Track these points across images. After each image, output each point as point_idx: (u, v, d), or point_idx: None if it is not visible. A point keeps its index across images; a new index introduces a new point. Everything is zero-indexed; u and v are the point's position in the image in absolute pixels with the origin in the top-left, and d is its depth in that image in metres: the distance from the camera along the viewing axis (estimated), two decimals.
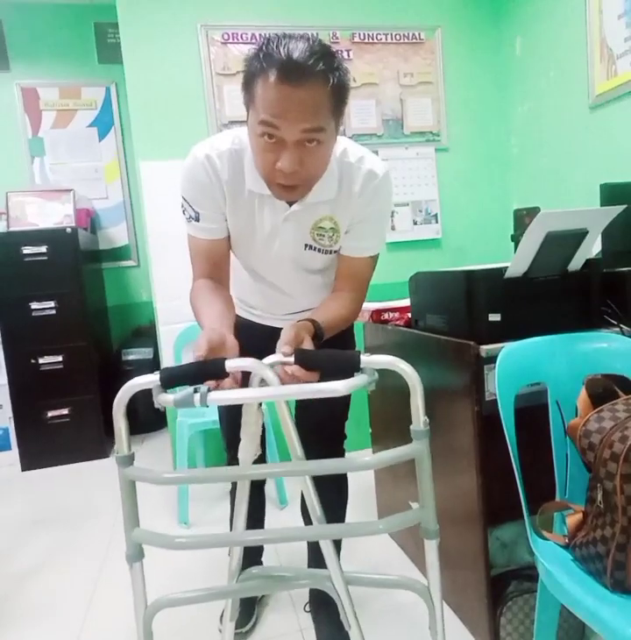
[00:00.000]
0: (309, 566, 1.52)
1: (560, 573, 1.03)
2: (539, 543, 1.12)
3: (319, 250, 1.22)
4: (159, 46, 2.61)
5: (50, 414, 3.17)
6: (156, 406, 0.83)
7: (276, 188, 1.06)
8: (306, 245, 1.21)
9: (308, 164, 1.01)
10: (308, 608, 1.61)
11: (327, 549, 0.92)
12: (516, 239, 1.63)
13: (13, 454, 3.19)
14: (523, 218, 1.74)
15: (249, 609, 1.61)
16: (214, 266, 1.21)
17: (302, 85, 0.91)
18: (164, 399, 0.82)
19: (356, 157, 1.14)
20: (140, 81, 2.60)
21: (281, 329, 1.38)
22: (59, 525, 2.36)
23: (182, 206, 1.18)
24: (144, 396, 0.87)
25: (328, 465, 0.89)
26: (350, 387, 0.81)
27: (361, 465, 0.84)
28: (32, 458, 3.14)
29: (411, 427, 0.85)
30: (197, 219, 1.16)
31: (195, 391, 0.80)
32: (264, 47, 0.94)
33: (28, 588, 1.89)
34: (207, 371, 0.84)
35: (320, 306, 1.19)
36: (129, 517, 0.87)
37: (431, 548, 0.88)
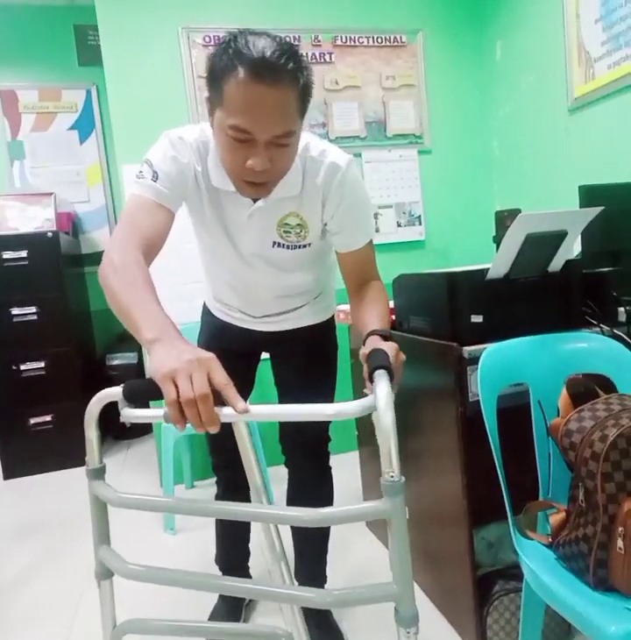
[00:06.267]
0: (296, 575, 1.51)
1: (544, 572, 1.03)
2: (523, 542, 1.12)
3: (287, 246, 1.20)
4: (139, 49, 2.59)
5: (33, 421, 3.13)
6: (121, 420, 0.77)
7: (243, 186, 1.04)
8: (273, 243, 1.20)
9: (278, 162, 1.00)
10: None
11: (294, 611, 0.85)
12: (498, 241, 1.64)
13: None
14: (504, 220, 1.76)
15: (236, 613, 1.60)
16: (151, 236, 1.02)
17: (275, 84, 0.90)
18: (128, 414, 0.75)
19: (318, 151, 1.12)
20: (121, 83, 2.58)
21: (259, 331, 1.39)
22: (43, 534, 2.33)
23: (140, 170, 1.06)
24: None
25: (290, 516, 0.76)
26: (362, 409, 0.70)
27: (319, 519, 0.71)
28: (15, 466, 3.10)
29: (381, 480, 0.68)
30: (155, 179, 1.05)
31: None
32: (231, 43, 0.91)
33: (13, 599, 1.86)
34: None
35: (367, 314, 1.09)
36: (98, 534, 0.83)
37: None
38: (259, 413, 0.73)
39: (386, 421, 0.68)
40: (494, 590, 1.40)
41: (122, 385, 0.78)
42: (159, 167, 1.06)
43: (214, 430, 0.71)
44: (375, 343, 0.93)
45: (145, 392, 0.78)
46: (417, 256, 3.04)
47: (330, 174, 1.11)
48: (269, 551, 0.83)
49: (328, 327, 1.46)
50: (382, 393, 0.70)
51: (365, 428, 2.08)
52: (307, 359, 1.40)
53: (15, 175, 3.57)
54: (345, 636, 1.49)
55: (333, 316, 1.49)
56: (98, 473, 0.81)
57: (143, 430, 3.54)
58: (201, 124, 1.13)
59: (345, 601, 0.72)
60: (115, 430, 3.57)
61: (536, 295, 1.35)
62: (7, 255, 3.02)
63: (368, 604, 0.71)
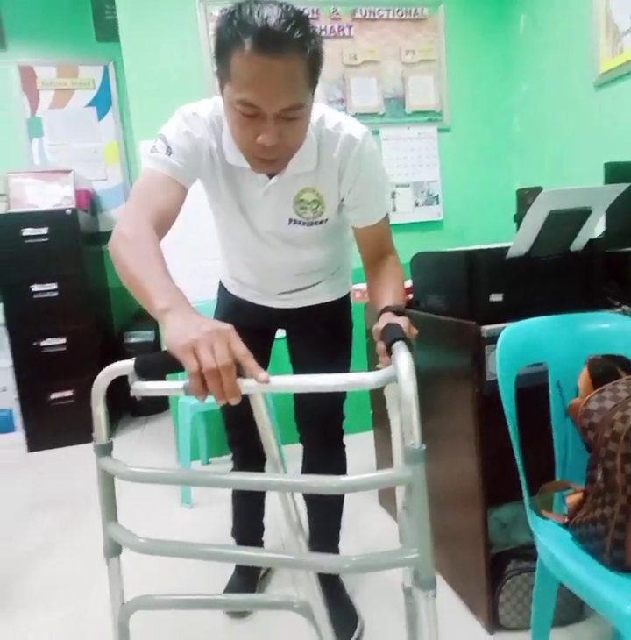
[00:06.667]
0: (311, 543, 1.53)
1: (559, 552, 1.03)
2: (538, 522, 1.12)
3: (304, 223, 1.19)
4: (156, 23, 2.56)
5: (53, 396, 3.19)
6: (132, 394, 0.77)
7: (255, 161, 1.03)
8: (290, 220, 1.19)
9: (288, 137, 0.98)
10: None
11: (311, 578, 0.87)
12: (519, 220, 1.61)
13: (19, 436, 3.23)
14: (526, 198, 1.72)
15: (251, 586, 1.63)
16: (163, 210, 1.01)
17: (280, 55, 0.87)
18: (139, 388, 0.75)
19: (333, 123, 1.09)
20: (138, 58, 2.56)
21: (275, 308, 1.39)
22: (64, 506, 2.38)
23: (154, 144, 1.06)
24: None
25: (310, 484, 0.77)
26: (379, 380, 0.70)
27: (338, 486, 0.72)
28: (38, 440, 3.17)
29: (401, 448, 0.71)
30: (169, 153, 1.04)
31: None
32: (236, 14, 0.88)
33: (33, 569, 1.90)
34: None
35: (383, 289, 1.11)
36: (106, 511, 0.82)
37: (427, 603, 0.71)
38: (280, 384, 0.73)
39: (407, 391, 0.67)
40: (507, 569, 1.40)
41: (133, 359, 0.76)
42: (172, 142, 1.05)
43: (235, 401, 0.71)
44: (388, 318, 0.95)
45: (159, 364, 0.77)
46: (434, 236, 3.00)
47: (347, 147, 1.09)
48: (286, 521, 0.84)
49: (344, 304, 1.46)
50: (403, 363, 0.70)
51: (380, 406, 2.07)
52: (322, 336, 1.40)
53: (34, 152, 3.59)
54: (357, 610, 1.51)
55: (349, 294, 1.49)
56: (106, 449, 0.81)
57: (160, 406, 3.59)
58: (214, 98, 1.10)
59: (364, 567, 0.72)
60: (132, 407, 3.62)
61: (558, 273, 1.33)
62: (27, 232, 3.06)
63: (387, 569, 0.72)
